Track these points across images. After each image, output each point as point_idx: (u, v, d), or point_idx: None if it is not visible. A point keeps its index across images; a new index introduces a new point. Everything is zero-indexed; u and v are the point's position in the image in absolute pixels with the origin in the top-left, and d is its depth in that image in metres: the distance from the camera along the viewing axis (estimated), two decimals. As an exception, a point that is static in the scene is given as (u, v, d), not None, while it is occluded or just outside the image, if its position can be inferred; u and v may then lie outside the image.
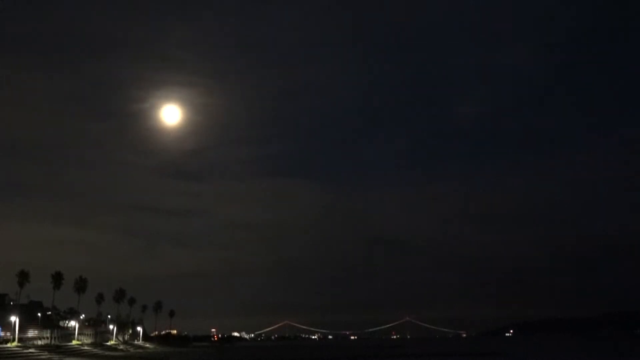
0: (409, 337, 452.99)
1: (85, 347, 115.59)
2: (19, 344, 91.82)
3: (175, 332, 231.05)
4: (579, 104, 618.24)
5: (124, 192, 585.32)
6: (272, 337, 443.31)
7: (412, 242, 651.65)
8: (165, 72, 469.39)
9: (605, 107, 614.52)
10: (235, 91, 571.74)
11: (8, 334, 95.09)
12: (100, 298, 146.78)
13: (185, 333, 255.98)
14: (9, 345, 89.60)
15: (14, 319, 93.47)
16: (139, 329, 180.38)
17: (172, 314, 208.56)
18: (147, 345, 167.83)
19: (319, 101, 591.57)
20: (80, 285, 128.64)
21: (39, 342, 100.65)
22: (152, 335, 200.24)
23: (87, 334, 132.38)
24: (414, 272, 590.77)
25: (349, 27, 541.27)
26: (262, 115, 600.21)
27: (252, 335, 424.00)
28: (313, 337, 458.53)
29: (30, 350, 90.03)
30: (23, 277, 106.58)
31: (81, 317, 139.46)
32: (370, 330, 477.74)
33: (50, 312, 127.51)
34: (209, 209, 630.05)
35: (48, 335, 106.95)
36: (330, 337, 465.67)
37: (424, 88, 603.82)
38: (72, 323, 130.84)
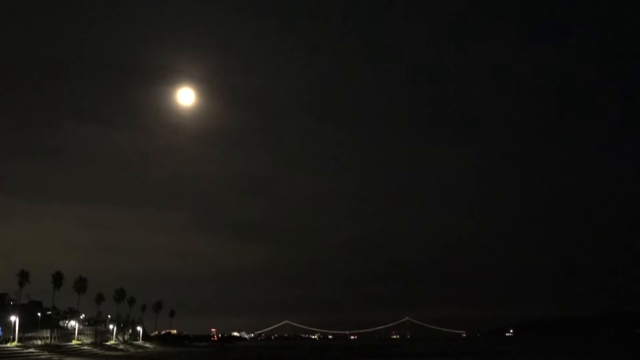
0: (409, 337, 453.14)
1: (85, 347, 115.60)
2: (19, 344, 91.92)
3: (175, 332, 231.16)
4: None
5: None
6: (272, 337, 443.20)
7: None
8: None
9: None
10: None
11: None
12: (100, 298, 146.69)
13: (186, 333, 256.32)
14: (9, 345, 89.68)
15: (14, 318, 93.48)
16: (139, 328, 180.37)
17: (172, 314, 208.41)
18: (147, 345, 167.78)
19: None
20: (80, 285, 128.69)
21: (39, 342, 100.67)
22: (152, 335, 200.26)
23: (87, 334, 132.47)
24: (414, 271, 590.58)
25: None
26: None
27: (252, 335, 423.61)
28: (313, 337, 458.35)
29: (30, 350, 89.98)
30: (23, 277, 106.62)
31: (81, 317, 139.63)
32: (370, 330, 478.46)
33: (50, 312, 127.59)
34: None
35: (48, 335, 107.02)
36: (330, 337, 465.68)
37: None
38: (72, 323, 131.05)
